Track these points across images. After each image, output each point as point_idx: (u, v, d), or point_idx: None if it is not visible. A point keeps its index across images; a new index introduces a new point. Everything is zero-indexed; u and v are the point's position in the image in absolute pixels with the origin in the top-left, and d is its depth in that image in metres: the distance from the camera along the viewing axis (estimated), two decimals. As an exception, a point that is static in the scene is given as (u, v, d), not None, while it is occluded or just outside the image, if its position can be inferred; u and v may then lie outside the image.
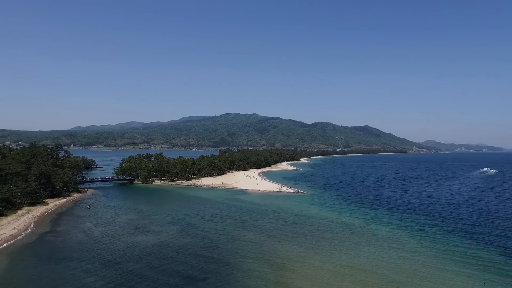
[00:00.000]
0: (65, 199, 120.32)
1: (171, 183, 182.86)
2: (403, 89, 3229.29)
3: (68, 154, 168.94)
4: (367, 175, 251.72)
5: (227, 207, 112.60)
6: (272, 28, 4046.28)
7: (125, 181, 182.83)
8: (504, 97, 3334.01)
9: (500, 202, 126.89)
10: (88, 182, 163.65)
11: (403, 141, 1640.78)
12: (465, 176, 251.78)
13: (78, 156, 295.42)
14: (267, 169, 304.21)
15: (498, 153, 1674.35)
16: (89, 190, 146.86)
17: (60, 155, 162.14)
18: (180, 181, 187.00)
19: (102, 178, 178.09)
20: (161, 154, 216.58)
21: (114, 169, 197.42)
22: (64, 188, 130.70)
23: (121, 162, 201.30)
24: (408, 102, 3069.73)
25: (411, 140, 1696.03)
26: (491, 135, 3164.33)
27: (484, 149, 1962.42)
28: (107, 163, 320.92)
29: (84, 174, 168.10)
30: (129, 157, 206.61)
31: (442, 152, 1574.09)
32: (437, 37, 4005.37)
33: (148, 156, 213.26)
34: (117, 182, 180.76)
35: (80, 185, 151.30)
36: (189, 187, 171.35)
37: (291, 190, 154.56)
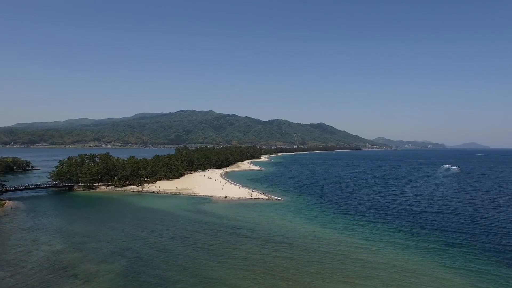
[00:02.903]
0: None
1: (119, 189, 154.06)
2: (355, 86, 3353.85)
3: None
4: (336, 175, 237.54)
5: (190, 224, 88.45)
6: (226, 24, 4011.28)
7: (62, 188, 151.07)
8: (445, 97, 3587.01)
9: (498, 207, 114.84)
10: (9, 191, 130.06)
11: (357, 138, 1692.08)
12: (434, 175, 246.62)
13: (9, 157, 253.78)
14: (229, 169, 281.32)
15: (441, 149, 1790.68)
16: (9, 203, 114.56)
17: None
18: (130, 186, 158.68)
19: (31, 185, 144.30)
20: (107, 154, 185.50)
21: (49, 173, 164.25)
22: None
23: (57, 164, 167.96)
24: (360, 100, 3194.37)
25: (364, 137, 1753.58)
26: (434, 133, 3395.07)
27: (429, 146, 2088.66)
28: (48, 163, 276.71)
29: (5, 181, 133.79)
30: (69, 158, 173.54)
31: (392, 148, 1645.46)
32: (389, 34, 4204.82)
33: (92, 157, 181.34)
34: (51, 189, 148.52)
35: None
36: (141, 194, 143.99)
37: (264, 197, 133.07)
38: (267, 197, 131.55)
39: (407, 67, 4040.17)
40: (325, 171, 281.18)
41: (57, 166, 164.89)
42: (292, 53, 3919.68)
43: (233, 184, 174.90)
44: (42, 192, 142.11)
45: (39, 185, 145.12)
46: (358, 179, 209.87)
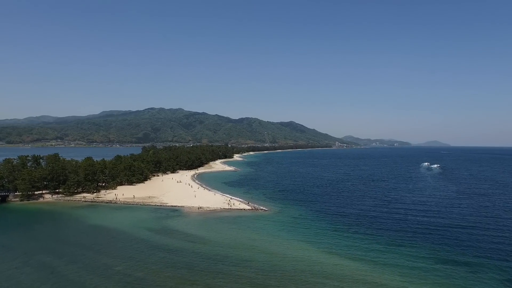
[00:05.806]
0: None
1: (69, 198, 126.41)
2: (324, 85, 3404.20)
3: None
4: (317, 177, 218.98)
5: (152, 254, 64.36)
6: (195, 22, 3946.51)
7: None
8: (409, 97, 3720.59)
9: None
10: None
11: (326, 136, 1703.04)
12: (420, 175, 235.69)
13: None
14: (201, 170, 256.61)
15: (408, 147, 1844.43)
16: None
17: None
18: (83, 194, 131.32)
19: None
20: (56, 155, 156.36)
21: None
22: None
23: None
24: (328, 99, 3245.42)
25: (333, 136, 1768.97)
26: (399, 131, 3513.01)
27: (395, 144, 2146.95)
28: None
29: None
30: (5, 160, 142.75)
31: (362, 147, 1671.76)
32: (356, 32, 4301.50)
33: (36, 158, 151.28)
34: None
35: None
36: (94, 205, 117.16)
37: (246, 207, 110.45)
38: (250, 208, 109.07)
39: (373, 66, 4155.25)
40: (304, 171, 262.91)
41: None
42: (261, 51, 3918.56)
43: (207, 189, 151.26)
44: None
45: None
46: (342, 181, 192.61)
